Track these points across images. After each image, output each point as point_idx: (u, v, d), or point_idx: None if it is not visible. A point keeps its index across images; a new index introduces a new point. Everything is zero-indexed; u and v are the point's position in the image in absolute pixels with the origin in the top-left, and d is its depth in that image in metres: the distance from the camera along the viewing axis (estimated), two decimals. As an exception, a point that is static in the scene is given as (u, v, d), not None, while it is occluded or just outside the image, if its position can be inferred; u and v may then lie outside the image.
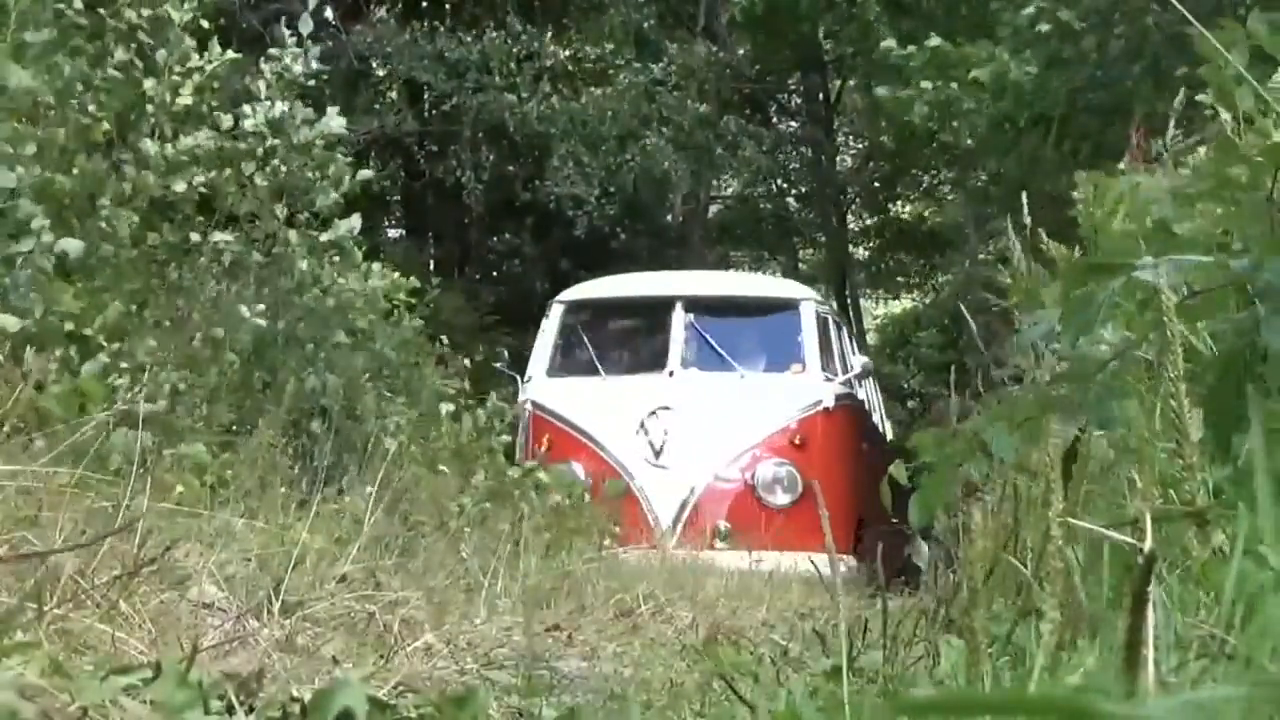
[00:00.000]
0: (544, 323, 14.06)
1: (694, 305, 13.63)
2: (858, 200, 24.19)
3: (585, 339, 13.76)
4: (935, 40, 13.29)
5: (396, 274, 11.36)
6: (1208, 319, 2.07)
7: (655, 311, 13.74)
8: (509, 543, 5.36)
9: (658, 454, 12.54)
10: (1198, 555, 1.92)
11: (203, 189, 9.49)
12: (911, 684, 2.38)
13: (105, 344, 7.94)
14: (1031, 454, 2.16)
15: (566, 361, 13.73)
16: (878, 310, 26.83)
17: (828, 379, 13.22)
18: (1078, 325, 1.97)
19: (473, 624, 4.12)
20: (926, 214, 23.84)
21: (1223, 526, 1.89)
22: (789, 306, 13.73)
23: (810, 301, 13.80)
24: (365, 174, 10.32)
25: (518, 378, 13.57)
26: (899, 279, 25.22)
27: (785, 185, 23.88)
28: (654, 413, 12.72)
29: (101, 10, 9.53)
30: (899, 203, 24.43)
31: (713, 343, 13.31)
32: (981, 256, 18.53)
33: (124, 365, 7.76)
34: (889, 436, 17.36)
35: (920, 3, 16.32)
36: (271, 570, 3.82)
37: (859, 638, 2.87)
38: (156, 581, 3.17)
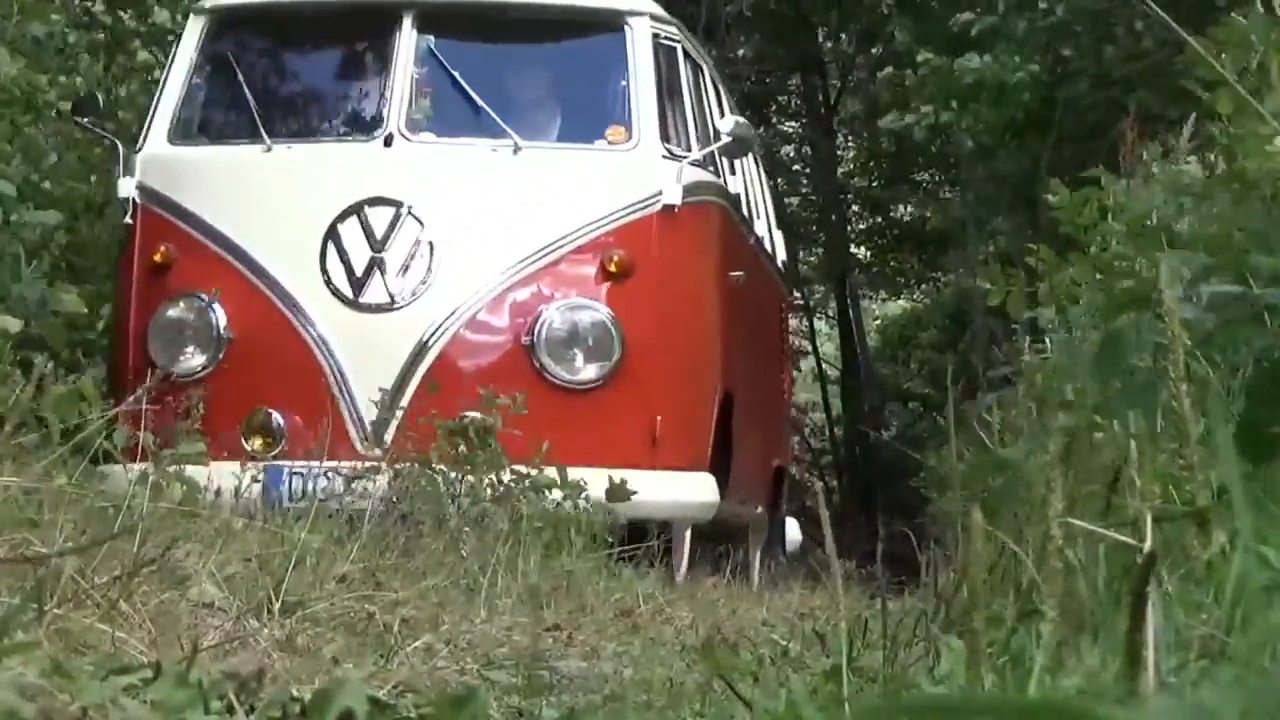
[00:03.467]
0: (174, 50, 8.23)
1: (435, 20, 7.92)
2: (858, 201, 24.20)
3: (240, 78, 7.89)
4: (924, 55, 13.17)
5: None
6: (1230, 341, 2.08)
7: (365, 30, 8.11)
8: (507, 542, 5.36)
9: (359, 287, 7.38)
10: (1198, 555, 1.92)
11: None
12: (911, 684, 2.38)
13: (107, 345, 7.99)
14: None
15: (207, 117, 8.09)
16: (878, 310, 26.84)
17: (672, 155, 7.85)
18: (1110, 363, 1.98)
19: (473, 624, 4.13)
20: (928, 214, 23.86)
21: (1223, 527, 1.89)
22: (606, 25, 8.03)
23: (644, 18, 8.05)
24: None
25: (117, 145, 7.85)
26: (899, 279, 25.22)
27: (785, 186, 23.89)
28: (355, 211, 7.44)
29: (124, 12, 9.58)
30: (899, 204, 24.44)
31: (466, 87, 7.75)
32: (981, 257, 18.53)
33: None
34: (781, 258, 11.30)
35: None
36: (271, 570, 3.82)
37: (859, 638, 2.87)
38: (156, 581, 3.17)
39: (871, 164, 23.65)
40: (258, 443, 7.22)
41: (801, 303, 24.34)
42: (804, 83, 23.08)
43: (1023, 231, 13.59)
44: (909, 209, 24.41)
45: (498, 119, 7.68)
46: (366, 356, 7.28)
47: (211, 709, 2.16)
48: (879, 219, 24.48)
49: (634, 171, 7.79)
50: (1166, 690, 1.49)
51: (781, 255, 11.34)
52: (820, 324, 24.48)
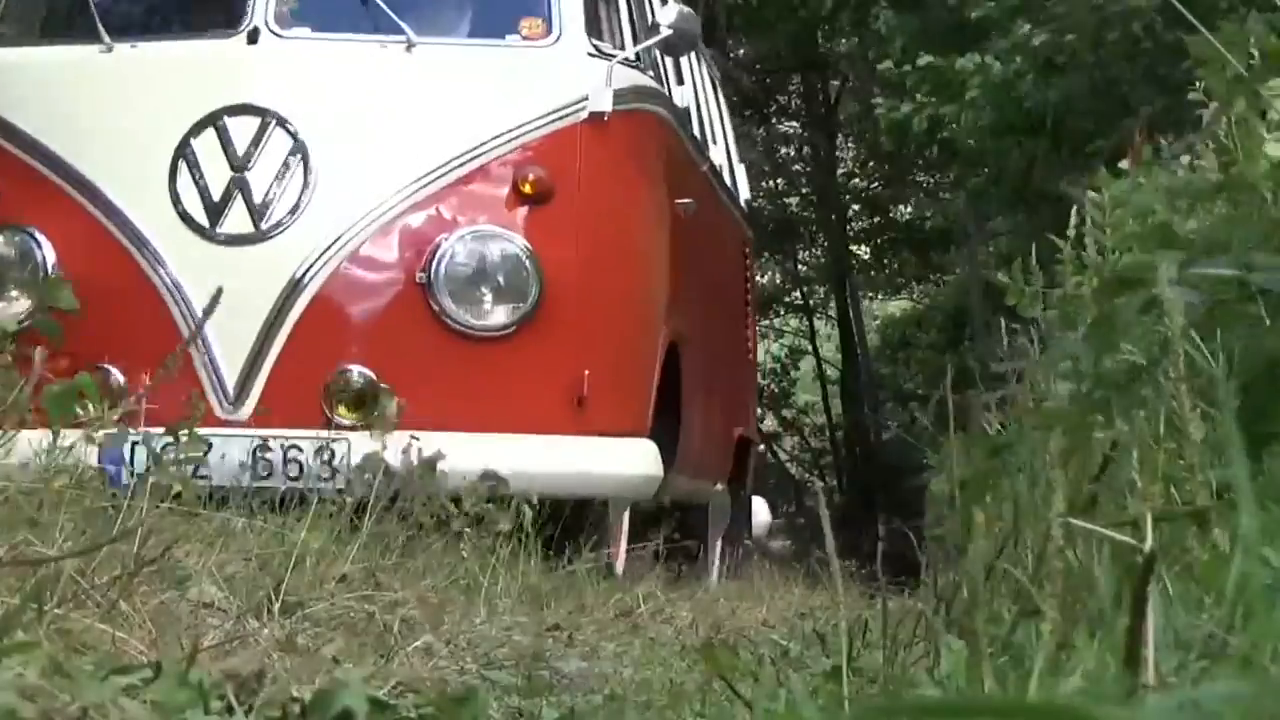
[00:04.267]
0: None
1: None
2: (858, 201, 24.22)
3: None
4: (926, 58, 13.12)
5: None
6: (1225, 331, 2.08)
7: None
8: (508, 543, 5.36)
9: (217, 214, 6.09)
10: (1199, 555, 1.92)
11: None
12: (911, 685, 2.38)
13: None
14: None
15: (33, 11, 6.79)
16: (878, 310, 26.84)
17: (601, 53, 6.53)
18: (1102, 345, 1.97)
19: (473, 624, 4.13)
20: (927, 214, 23.89)
21: (1223, 527, 1.89)
22: None
23: None
24: None
25: None
26: (899, 280, 25.24)
27: (786, 186, 23.90)
28: (212, 121, 6.16)
29: None
30: (899, 204, 24.45)
31: None
32: (982, 258, 18.53)
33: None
34: (744, 195, 9.68)
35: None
36: (271, 570, 3.83)
37: (859, 638, 2.87)
38: (156, 581, 3.17)
39: (871, 164, 23.66)
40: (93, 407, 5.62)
41: (802, 302, 24.36)
42: (804, 83, 23.08)
43: (1023, 231, 13.60)
44: (909, 209, 24.43)
45: (387, 9, 6.35)
46: (227, 299, 5.58)
47: (211, 709, 2.16)
48: (879, 219, 24.49)
49: (554, 72, 6.45)
50: (1166, 690, 1.49)
51: (744, 193, 9.73)
52: (820, 324, 24.50)
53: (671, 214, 6.98)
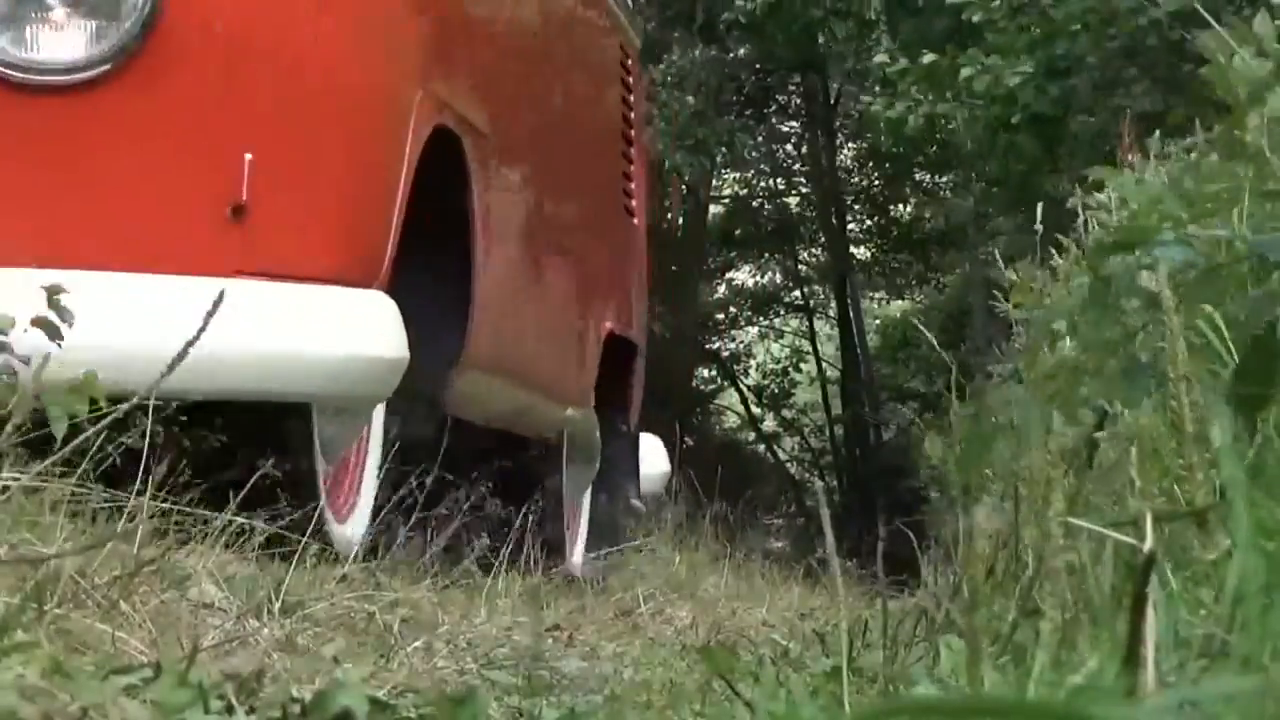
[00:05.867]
0: None
1: None
2: (858, 201, 24.22)
3: None
4: (929, 56, 13.09)
5: None
6: (1215, 300, 2.07)
7: None
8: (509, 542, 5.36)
9: None
10: (1200, 555, 1.92)
11: None
12: (911, 685, 2.38)
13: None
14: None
15: None
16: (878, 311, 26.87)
17: None
18: (1100, 307, 1.97)
19: (473, 624, 4.13)
20: (927, 215, 23.90)
21: (1225, 525, 1.89)
22: None
23: None
24: None
25: None
26: (899, 280, 25.25)
27: (785, 186, 23.91)
28: None
29: None
30: (900, 204, 24.46)
31: None
32: (982, 257, 18.54)
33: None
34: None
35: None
36: (271, 570, 3.82)
37: (859, 638, 2.87)
38: (156, 581, 3.17)
39: (871, 164, 23.66)
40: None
41: (802, 303, 24.38)
42: (804, 83, 23.07)
43: (1023, 231, 13.60)
44: (909, 209, 24.44)
45: None
46: None
47: (211, 709, 2.16)
48: (879, 219, 24.49)
49: None
50: (1166, 690, 1.49)
51: None
52: (820, 324, 24.51)
53: None
